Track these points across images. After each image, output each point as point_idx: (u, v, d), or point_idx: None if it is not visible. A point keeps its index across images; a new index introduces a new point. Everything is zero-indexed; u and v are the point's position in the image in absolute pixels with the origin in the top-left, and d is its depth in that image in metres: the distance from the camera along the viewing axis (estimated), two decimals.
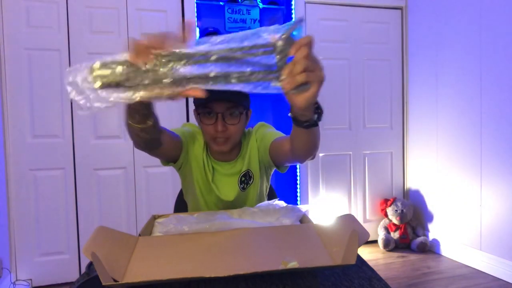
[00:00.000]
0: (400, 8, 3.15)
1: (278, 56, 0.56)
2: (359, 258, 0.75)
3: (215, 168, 1.17)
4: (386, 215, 3.03)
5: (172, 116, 2.56)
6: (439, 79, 2.83)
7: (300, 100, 0.59)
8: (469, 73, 2.55)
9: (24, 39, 2.32)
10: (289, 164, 1.13)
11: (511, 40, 2.26)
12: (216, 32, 2.73)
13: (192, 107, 2.48)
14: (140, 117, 0.79)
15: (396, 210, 2.94)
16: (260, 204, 1.06)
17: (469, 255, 2.60)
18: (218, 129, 1.04)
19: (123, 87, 0.60)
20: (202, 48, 0.58)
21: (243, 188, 1.16)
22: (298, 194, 2.94)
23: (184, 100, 2.60)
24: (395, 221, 2.94)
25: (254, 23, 2.74)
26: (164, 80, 0.58)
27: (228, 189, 1.16)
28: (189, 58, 0.58)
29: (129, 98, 0.60)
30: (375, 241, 3.03)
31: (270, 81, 0.58)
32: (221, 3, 2.71)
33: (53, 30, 2.37)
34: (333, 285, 0.66)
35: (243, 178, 1.16)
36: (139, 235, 0.85)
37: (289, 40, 0.56)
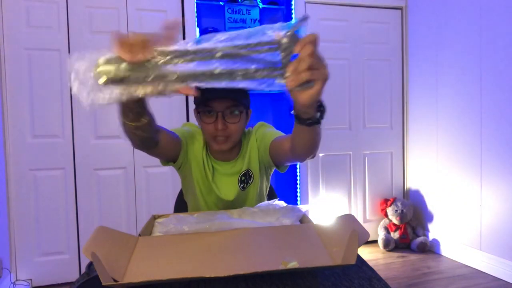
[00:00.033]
0: (400, 8, 3.15)
1: (282, 54, 0.57)
2: (359, 258, 0.74)
3: (215, 167, 1.17)
4: (386, 215, 3.03)
5: (172, 115, 2.56)
6: (439, 79, 2.83)
7: (304, 97, 0.60)
8: (469, 73, 2.55)
9: (24, 39, 2.32)
10: (289, 164, 1.13)
11: (511, 40, 2.26)
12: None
13: (192, 106, 2.49)
14: (134, 115, 0.79)
15: (396, 210, 2.94)
16: (260, 204, 1.06)
17: (469, 255, 2.60)
18: (218, 128, 1.04)
19: (127, 83, 0.60)
20: (207, 45, 0.58)
21: (243, 188, 1.16)
22: (298, 194, 2.93)
23: (184, 100, 2.60)
24: (395, 221, 2.94)
25: (254, 23, 2.74)
26: (169, 77, 0.58)
27: (228, 188, 1.16)
28: (194, 55, 0.58)
29: (133, 94, 0.60)
30: (375, 241, 3.03)
31: (274, 78, 0.58)
32: (221, 3, 2.71)
33: (53, 30, 2.37)
34: (333, 285, 0.66)
35: (243, 178, 1.16)
36: (139, 235, 0.85)
37: (294, 38, 0.56)
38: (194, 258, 0.70)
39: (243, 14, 2.72)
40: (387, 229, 3.02)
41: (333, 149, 3.03)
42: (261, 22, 2.77)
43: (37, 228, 2.37)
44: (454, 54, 2.68)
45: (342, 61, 3.01)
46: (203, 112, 1.07)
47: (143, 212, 2.54)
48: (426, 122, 2.97)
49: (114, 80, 0.59)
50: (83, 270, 1.08)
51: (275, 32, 0.56)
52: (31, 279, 2.36)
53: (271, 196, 1.33)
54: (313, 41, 0.56)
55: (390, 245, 2.91)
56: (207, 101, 1.04)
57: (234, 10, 2.71)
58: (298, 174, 2.93)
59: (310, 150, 0.84)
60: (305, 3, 2.88)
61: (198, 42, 0.59)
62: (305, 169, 2.94)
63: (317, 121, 0.73)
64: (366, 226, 3.04)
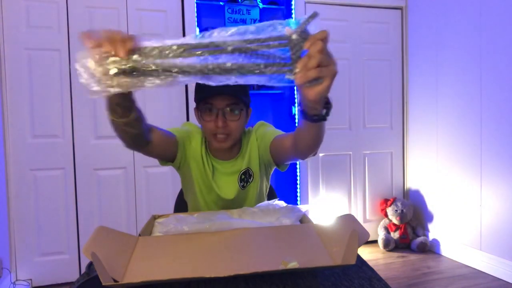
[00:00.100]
0: (400, 8, 3.15)
1: (292, 49, 0.57)
2: (359, 258, 0.74)
3: (215, 166, 1.17)
4: (386, 215, 3.03)
5: (172, 115, 2.56)
6: (439, 79, 2.83)
7: (312, 93, 0.60)
8: (469, 73, 2.55)
9: (24, 39, 2.32)
10: (289, 162, 1.13)
11: (511, 40, 2.26)
12: None
13: (192, 105, 2.49)
14: (122, 110, 0.79)
15: (396, 210, 2.94)
16: (260, 204, 1.06)
17: (469, 255, 2.60)
18: (218, 125, 1.04)
19: (137, 74, 0.61)
20: (217, 39, 0.59)
21: (243, 187, 1.16)
22: (298, 194, 2.93)
23: (184, 100, 2.60)
24: (395, 221, 2.94)
25: (254, 23, 2.74)
26: (178, 70, 0.59)
27: (228, 187, 1.16)
28: (204, 49, 0.58)
29: (142, 85, 0.61)
30: (375, 241, 3.03)
31: (284, 74, 0.58)
32: (221, 3, 2.71)
33: (53, 30, 2.37)
34: (333, 285, 0.66)
35: (243, 176, 1.16)
36: (139, 235, 0.85)
37: (304, 34, 0.56)
38: (194, 258, 0.70)
39: (243, 14, 2.72)
40: (387, 229, 3.02)
41: (333, 149, 3.03)
42: (261, 22, 2.77)
43: (37, 228, 2.37)
44: (454, 54, 2.68)
45: (342, 61, 3.01)
46: (203, 109, 1.07)
47: (143, 212, 2.54)
48: (426, 122, 2.97)
49: (125, 71, 0.60)
50: (83, 270, 1.08)
51: (285, 27, 0.57)
52: (31, 279, 2.36)
53: (271, 196, 1.33)
54: (324, 38, 0.57)
55: (390, 245, 2.91)
56: (207, 98, 1.04)
57: (234, 10, 2.71)
58: (298, 174, 2.92)
59: (314, 146, 0.85)
60: (305, 3, 2.88)
61: (207, 36, 0.59)
62: (305, 169, 2.94)
63: (323, 118, 0.73)
64: (366, 226, 3.04)
